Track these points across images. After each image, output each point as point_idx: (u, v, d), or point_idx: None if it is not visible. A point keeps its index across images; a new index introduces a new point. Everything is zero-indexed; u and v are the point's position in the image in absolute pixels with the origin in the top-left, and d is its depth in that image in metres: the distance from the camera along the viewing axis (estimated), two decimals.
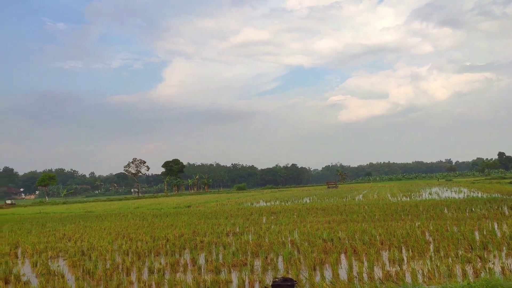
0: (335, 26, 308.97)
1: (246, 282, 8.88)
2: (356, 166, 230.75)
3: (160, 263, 11.17)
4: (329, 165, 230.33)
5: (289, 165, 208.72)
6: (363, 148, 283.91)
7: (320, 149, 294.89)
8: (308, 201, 37.99)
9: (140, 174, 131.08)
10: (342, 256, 11.11)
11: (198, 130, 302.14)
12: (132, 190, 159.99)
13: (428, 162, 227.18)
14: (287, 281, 5.77)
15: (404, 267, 9.48)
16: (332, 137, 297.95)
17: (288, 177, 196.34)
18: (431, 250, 11.05)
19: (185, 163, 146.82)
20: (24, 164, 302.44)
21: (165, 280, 9.30)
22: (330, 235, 14.03)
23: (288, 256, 10.85)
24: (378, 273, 8.91)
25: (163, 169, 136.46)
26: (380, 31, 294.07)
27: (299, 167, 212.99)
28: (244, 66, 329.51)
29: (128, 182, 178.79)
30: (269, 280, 8.97)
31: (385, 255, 10.91)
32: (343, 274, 9.07)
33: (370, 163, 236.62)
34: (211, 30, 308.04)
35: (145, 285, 9.00)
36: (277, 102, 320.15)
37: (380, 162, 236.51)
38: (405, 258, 10.30)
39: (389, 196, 38.33)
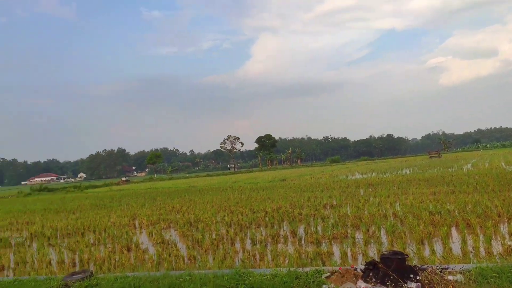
0: None
1: (349, 255, 8.73)
2: (462, 133, 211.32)
3: (261, 235, 11.53)
4: (429, 134, 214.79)
5: (384, 136, 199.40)
6: (469, 114, 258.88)
7: (419, 117, 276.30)
8: (408, 172, 35.96)
9: (235, 150, 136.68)
10: (453, 230, 10.29)
11: (287, 104, 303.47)
12: (228, 165, 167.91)
13: None
14: (397, 254, 5.47)
15: None
16: (432, 103, 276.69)
17: (384, 148, 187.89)
18: None
19: (276, 137, 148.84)
20: (134, 144, 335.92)
21: (268, 250, 9.57)
22: (437, 207, 13.09)
23: (391, 229, 10.38)
24: (497, 247, 8.08)
25: (256, 145, 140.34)
26: None
27: (396, 137, 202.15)
28: (330, 35, 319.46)
29: (224, 158, 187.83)
30: (372, 253, 8.69)
31: (504, 228, 9.83)
32: (455, 248, 8.40)
33: (478, 129, 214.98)
34: (296, 1, 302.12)
35: (249, 254, 9.36)
36: (368, 70, 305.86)
37: (490, 128, 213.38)
38: None
39: (503, 164, 34.46)
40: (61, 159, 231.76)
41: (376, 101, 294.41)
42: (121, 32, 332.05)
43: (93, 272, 6.72)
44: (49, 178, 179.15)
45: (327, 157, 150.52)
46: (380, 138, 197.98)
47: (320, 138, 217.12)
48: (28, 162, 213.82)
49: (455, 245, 8.62)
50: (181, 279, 5.99)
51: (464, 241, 8.64)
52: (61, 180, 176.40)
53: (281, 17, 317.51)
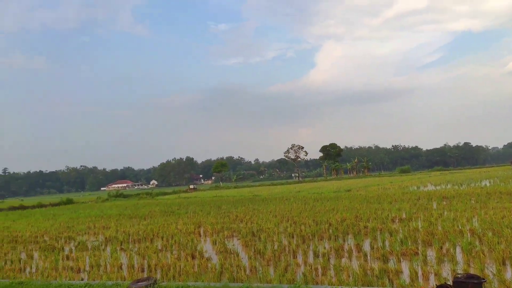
0: None
1: (419, 274, 8.14)
2: None
3: (324, 247, 11.20)
4: None
5: (460, 144, 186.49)
6: None
7: (500, 124, 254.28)
8: (488, 184, 33.09)
9: (299, 159, 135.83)
10: None
11: (353, 112, 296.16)
12: (292, 174, 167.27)
13: None
14: (472, 278, 4.96)
15: None
16: None
17: (460, 157, 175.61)
18: None
19: (342, 146, 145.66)
20: (201, 153, 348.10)
21: (331, 265, 9.25)
22: None
23: (468, 247, 9.52)
24: None
25: (320, 154, 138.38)
26: None
27: (473, 145, 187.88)
28: (399, 40, 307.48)
29: (288, 167, 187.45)
30: (446, 273, 8.03)
31: None
32: None
33: None
34: (362, 6, 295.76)
35: (311, 268, 9.11)
36: (441, 74, 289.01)
37: None
38: None
39: None
40: (136, 167, 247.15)
41: (450, 107, 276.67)
42: (190, 45, 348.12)
43: (157, 280, 6.94)
44: (124, 185, 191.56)
45: (396, 167, 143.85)
46: (456, 146, 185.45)
47: (389, 147, 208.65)
48: (107, 170, 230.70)
49: None
50: None
51: None
52: (135, 187, 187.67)
53: (346, 23, 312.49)
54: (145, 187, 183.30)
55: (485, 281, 5.03)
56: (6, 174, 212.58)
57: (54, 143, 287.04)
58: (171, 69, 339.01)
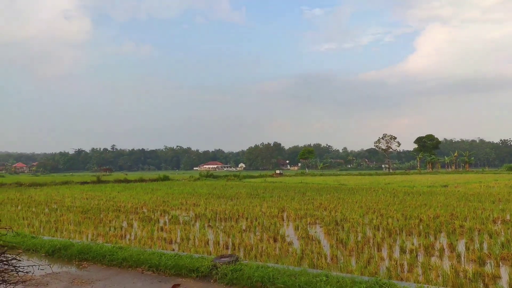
0: None
1: None
2: None
3: (413, 244, 10.61)
4: None
5: None
6: None
7: None
8: None
9: (390, 150, 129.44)
10: None
11: (457, 102, 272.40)
12: (382, 165, 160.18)
13: None
14: None
15: None
16: None
17: None
18: None
19: (440, 138, 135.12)
20: (288, 139, 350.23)
21: (419, 262, 8.75)
22: None
23: None
24: None
25: (415, 145, 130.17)
26: None
27: None
28: None
29: (378, 158, 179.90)
30: None
31: None
32: None
33: None
34: None
35: (396, 263, 8.71)
36: None
37: None
38: None
39: None
40: (226, 149, 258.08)
41: None
42: (284, 31, 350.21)
43: (238, 258, 7.23)
44: (215, 166, 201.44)
45: (503, 164, 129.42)
46: None
47: (496, 141, 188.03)
48: (200, 151, 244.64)
49: None
50: (317, 279, 5.95)
51: None
52: (225, 169, 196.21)
53: (454, 4, 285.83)
54: (234, 169, 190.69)
55: None
56: (114, 150, 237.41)
57: (154, 124, 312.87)
58: (264, 56, 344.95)
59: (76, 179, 57.30)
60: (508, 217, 15.01)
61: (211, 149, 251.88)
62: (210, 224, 14.93)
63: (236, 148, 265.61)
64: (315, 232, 12.82)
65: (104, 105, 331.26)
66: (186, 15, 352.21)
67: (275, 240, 11.65)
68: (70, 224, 15.37)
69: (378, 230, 12.96)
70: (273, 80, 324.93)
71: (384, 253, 9.92)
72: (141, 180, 54.79)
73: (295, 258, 9.20)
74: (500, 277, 7.69)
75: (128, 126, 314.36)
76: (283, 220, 15.89)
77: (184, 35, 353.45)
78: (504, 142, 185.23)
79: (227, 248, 10.77)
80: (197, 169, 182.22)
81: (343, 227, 13.38)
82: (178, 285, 6.79)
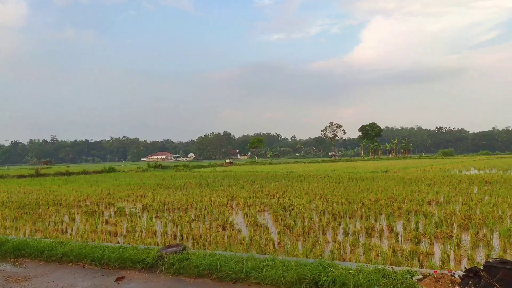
0: None
1: (451, 257, 7.91)
2: None
3: (355, 226, 11.10)
4: None
5: (510, 128, 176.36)
6: None
7: None
8: None
9: (336, 138, 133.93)
10: None
11: (398, 91, 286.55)
12: (329, 153, 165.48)
13: None
14: (505, 264, 4.75)
15: None
16: None
17: (509, 142, 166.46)
18: None
19: (382, 126, 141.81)
20: (238, 128, 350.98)
21: (360, 244, 9.18)
22: None
23: (506, 233, 9.13)
24: None
25: (359, 133, 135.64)
26: None
27: None
28: (454, 16, 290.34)
29: (325, 146, 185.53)
30: (480, 259, 7.76)
31: None
32: None
33: None
34: None
35: (339, 245, 9.08)
36: (496, 54, 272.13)
37: None
38: None
39: None
40: (175, 139, 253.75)
41: (504, 88, 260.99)
42: (234, 20, 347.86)
43: (186, 247, 7.17)
44: (164, 156, 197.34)
45: (438, 150, 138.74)
46: (506, 130, 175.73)
47: (432, 128, 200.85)
48: (148, 141, 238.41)
49: None
50: (264, 263, 6.06)
51: None
52: (174, 159, 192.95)
53: None
54: (183, 159, 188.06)
55: None
56: (55, 141, 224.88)
57: (99, 113, 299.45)
58: (214, 44, 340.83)
59: (12, 172, 53.68)
60: (441, 198, 16.14)
61: (159, 139, 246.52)
62: (158, 215, 14.65)
63: (185, 138, 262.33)
64: (264, 219, 13.02)
65: (43, 94, 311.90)
66: (132, 0, 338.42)
67: (224, 229, 11.69)
68: (6, 220, 14.42)
69: (324, 214, 13.41)
70: (223, 69, 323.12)
71: (329, 236, 10.30)
72: (85, 173, 52.45)
73: (244, 245, 9.30)
74: (433, 254, 8.27)
75: (70, 116, 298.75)
76: (233, 209, 15.96)
77: (131, 21, 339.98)
78: (439, 129, 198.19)
79: (175, 239, 10.65)
80: (145, 160, 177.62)
81: (291, 213, 13.69)
82: (122, 277, 6.62)
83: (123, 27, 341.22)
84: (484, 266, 4.84)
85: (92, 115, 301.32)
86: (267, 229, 11.27)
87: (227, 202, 17.36)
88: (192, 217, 13.79)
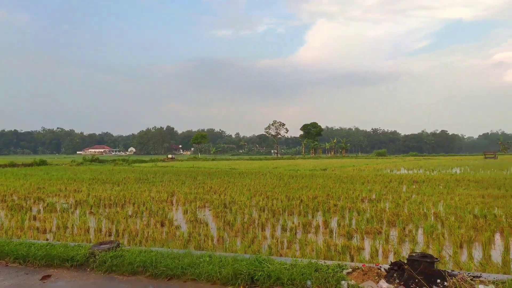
0: None
1: (380, 252, 8.40)
2: None
3: (293, 222, 11.40)
4: (487, 133, 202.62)
5: (438, 131, 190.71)
6: None
7: (478, 114, 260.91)
8: (458, 171, 34.13)
9: (279, 136, 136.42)
10: (497, 236, 9.61)
11: (338, 93, 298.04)
12: (272, 151, 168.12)
13: None
14: (426, 257, 5.13)
15: None
16: (494, 100, 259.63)
17: (436, 144, 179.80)
18: None
19: (323, 126, 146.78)
20: (182, 123, 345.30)
21: (297, 239, 9.44)
22: (483, 211, 12.29)
23: (429, 229, 9.87)
24: None
25: (301, 132, 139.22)
26: None
27: (450, 134, 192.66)
28: (392, 23, 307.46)
29: (268, 143, 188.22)
30: (405, 253, 8.31)
31: None
32: (496, 256, 7.82)
33: None
34: None
35: (277, 241, 9.28)
36: (428, 62, 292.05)
37: None
38: None
39: None
40: (115, 132, 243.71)
41: (433, 95, 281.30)
42: (181, 13, 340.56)
43: (120, 244, 6.93)
44: (102, 150, 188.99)
45: (373, 150, 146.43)
46: (433, 134, 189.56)
47: (369, 129, 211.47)
48: (85, 133, 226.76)
49: (496, 253, 8.03)
50: (201, 259, 6.03)
51: (507, 249, 8.03)
52: (113, 153, 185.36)
53: (340, 2, 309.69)
54: (123, 153, 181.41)
55: (438, 260, 5.21)
56: None
57: (31, 102, 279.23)
58: (159, 37, 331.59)
59: None
60: (373, 196, 17.06)
61: (97, 132, 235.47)
62: (93, 211, 14.01)
63: (126, 132, 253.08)
64: (204, 215, 12.94)
65: None
66: None
67: (162, 225, 11.46)
68: None
69: (264, 211, 13.62)
70: (167, 62, 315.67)
71: (267, 232, 10.48)
72: (12, 165, 48.73)
73: (182, 242, 9.17)
74: (364, 249, 8.73)
75: None
76: (172, 205, 15.69)
77: (70, 8, 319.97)
78: (375, 130, 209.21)
79: (110, 235, 10.25)
80: (81, 153, 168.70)
81: (231, 210, 13.75)
82: (49, 276, 6.24)
83: (62, 13, 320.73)
84: (407, 259, 5.19)
85: (22, 104, 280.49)
86: (207, 225, 11.23)
87: (167, 198, 17.03)
88: (130, 213, 13.36)
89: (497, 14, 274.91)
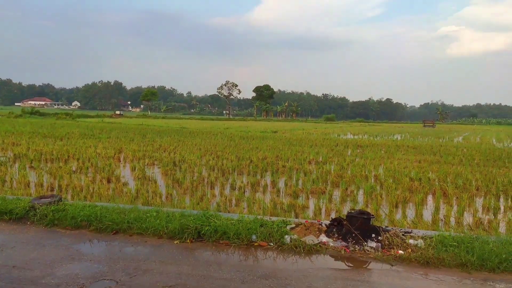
0: None
1: (323, 210, 8.84)
2: (460, 106, 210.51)
3: (242, 182, 11.61)
4: (428, 103, 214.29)
5: (383, 100, 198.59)
6: (471, 87, 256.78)
7: (420, 84, 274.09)
8: (399, 138, 36.09)
9: (232, 97, 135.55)
10: (429, 198, 10.43)
11: (291, 57, 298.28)
12: (224, 111, 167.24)
13: None
14: (363, 214, 5.50)
15: (500, 216, 8.60)
16: (436, 72, 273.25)
17: (381, 112, 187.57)
18: None
19: (276, 89, 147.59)
20: (131, 79, 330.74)
21: (245, 197, 9.66)
22: (418, 174, 13.21)
23: (369, 190, 10.49)
24: (468, 219, 8.22)
25: (254, 94, 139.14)
26: None
27: (394, 102, 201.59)
28: None
29: (220, 104, 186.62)
30: (346, 211, 8.81)
31: (479, 201, 9.98)
32: (427, 215, 8.54)
33: (478, 103, 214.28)
34: None
35: (226, 199, 9.45)
36: (378, 31, 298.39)
37: (490, 104, 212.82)
38: (502, 208, 9.33)
39: (494, 140, 34.65)
40: (57, 85, 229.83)
41: (381, 63, 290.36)
42: None
43: (62, 198, 6.72)
44: (43, 103, 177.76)
45: (323, 115, 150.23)
46: (379, 101, 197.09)
47: (319, 95, 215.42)
48: (23, 84, 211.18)
49: (427, 212, 8.75)
50: (148, 214, 6.03)
51: (437, 209, 8.76)
52: (55, 106, 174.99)
53: None
54: (66, 107, 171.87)
55: (374, 217, 5.60)
56: None
57: None
58: None
59: None
60: (320, 158, 17.70)
61: (38, 83, 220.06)
62: (33, 165, 13.37)
63: (69, 84, 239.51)
64: (153, 173, 12.80)
65: None
66: None
67: (109, 181, 11.22)
68: None
69: (214, 170, 13.71)
70: (115, 11, 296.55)
71: (217, 191, 10.62)
72: None
73: (129, 198, 9.07)
74: (308, 207, 9.14)
75: None
76: (120, 162, 15.33)
77: None
78: (325, 96, 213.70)
79: (52, 190, 9.88)
80: (19, 105, 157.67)
81: (181, 168, 13.70)
82: None
83: None
84: (346, 216, 5.53)
85: None
86: (155, 182, 11.14)
87: (115, 154, 16.58)
88: (74, 168, 12.90)
89: None
